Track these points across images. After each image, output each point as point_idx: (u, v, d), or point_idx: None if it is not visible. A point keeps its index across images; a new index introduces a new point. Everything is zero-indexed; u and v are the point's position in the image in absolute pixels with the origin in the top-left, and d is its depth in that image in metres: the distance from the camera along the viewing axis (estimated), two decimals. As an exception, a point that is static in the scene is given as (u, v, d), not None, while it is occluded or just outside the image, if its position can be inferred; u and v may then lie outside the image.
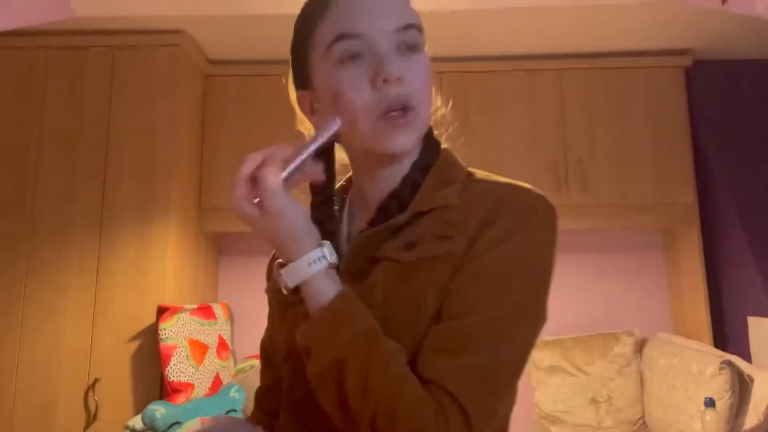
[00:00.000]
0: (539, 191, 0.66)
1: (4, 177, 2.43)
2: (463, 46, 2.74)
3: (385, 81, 0.62)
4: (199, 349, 2.30)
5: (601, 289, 2.92)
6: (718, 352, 2.24)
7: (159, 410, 1.98)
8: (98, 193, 2.41)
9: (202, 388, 2.24)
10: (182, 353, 2.22)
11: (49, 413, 2.26)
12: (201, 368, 2.27)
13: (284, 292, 0.62)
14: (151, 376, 2.28)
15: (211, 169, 2.75)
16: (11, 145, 2.45)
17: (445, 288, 0.61)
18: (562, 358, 2.56)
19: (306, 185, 0.73)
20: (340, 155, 0.75)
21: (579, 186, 2.69)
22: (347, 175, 0.79)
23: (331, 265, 0.62)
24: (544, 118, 2.76)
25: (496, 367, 0.58)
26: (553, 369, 2.55)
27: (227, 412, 2.16)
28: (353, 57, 0.63)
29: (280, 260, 0.63)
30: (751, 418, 1.91)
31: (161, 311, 2.27)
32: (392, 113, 0.63)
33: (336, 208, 0.75)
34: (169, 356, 2.20)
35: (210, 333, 2.39)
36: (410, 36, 0.65)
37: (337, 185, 0.79)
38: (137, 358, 2.29)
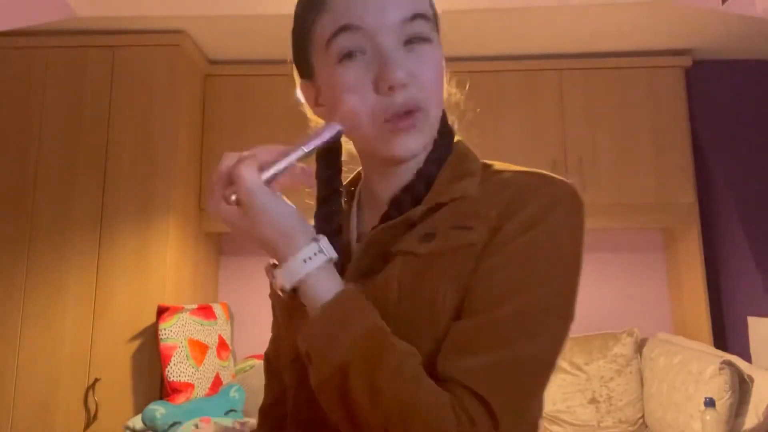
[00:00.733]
0: (565, 179, 0.62)
1: (4, 177, 2.43)
2: (463, 46, 2.74)
3: (390, 88, 0.58)
4: (199, 349, 2.30)
5: (601, 289, 2.92)
6: (718, 352, 2.24)
7: (159, 410, 1.98)
8: (98, 193, 2.41)
9: (202, 388, 2.24)
10: (182, 353, 2.22)
11: (49, 413, 2.26)
12: (201, 368, 2.27)
13: (281, 295, 0.57)
14: (151, 376, 2.28)
15: (211, 169, 2.75)
16: (11, 145, 2.45)
17: (465, 282, 0.56)
18: (561, 358, 2.55)
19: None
20: (348, 146, 0.71)
21: (579, 186, 2.66)
22: (357, 170, 0.74)
23: (330, 261, 0.57)
24: (544, 118, 2.76)
25: (525, 364, 0.53)
26: (553, 369, 2.55)
27: (227, 413, 2.16)
28: (354, 54, 0.59)
29: (273, 261, 0.58)
30: (751, 418, 1.91)
31: (161, 311, 2.27)
32: (398, 117, 0.59)
33: (344, 201, 0.70)
34: (169, 356, 2.20)
35: (210, 333, 2.39)
36: (418, 27, 0.60)
37: (347, 179, 0.75)
38: (137, 358, 2.29)
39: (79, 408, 2.26)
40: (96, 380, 2.27)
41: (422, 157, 0.66)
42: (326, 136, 0.58)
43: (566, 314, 0.57)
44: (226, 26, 2.53)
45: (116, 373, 2.28)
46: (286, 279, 0.56)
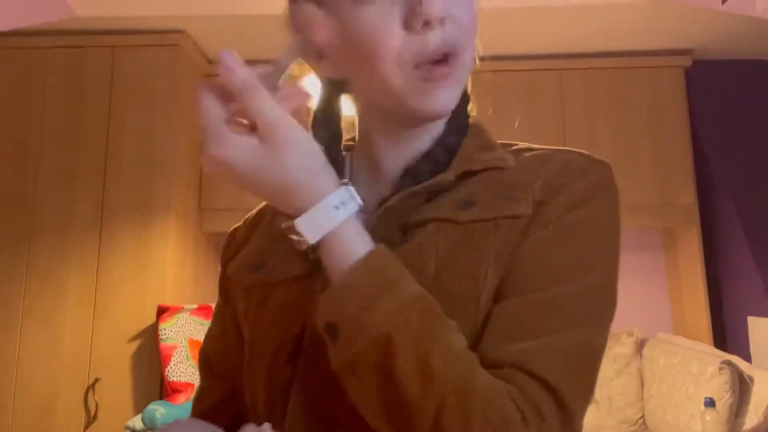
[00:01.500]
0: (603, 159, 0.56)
1: (4, 176, 2.43)
2: (463, 46, 2.74)
3: (425, 24, 0.48)
4: (199, 349, 2.29)
5: (601, 289, 2.92)
6: (718, 352, 2.24)
7: (159, 410, 1.98)
8: (98, 193, 2.41)
9: (202, 388, 2.24)
10: (182, 353, 2.22)
11: (49, 413, 2.26)
12: (201, 368, 2.26)
13: (302, 247, 0.46)
14: (151, 376, 2.28)
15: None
16: (11, 145, 2.45)
17: (508, 258, 0.49)
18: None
19: None
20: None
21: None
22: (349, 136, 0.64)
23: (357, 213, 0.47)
24: (544, 118, 2.76)
25: (591, 349, 0.47)
26: (553, 369, 2.55)
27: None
28: None
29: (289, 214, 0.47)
30: (751, 418, 1.91)
31: (161, 311, 2.27)
32: (433, 63, 0.49)
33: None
34: (169, 356, 2.19)
35: (210, 333, 2.39)
36: None
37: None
38: (137, 358, 2.29)
39: (79, 408, 2.26)
40: (96, 380, 2.27)
41: (439, 122, 0.57)
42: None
43: (615, 301, 0.50)
44: (226, 26, 2.53)
45: (116, 373, 2.28)
46: (312, 229, 0.44)
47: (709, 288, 2.62)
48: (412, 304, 0.44)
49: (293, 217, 0.45)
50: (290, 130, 0.44)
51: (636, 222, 2.70)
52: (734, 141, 2.78)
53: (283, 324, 0.54)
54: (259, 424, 0.48)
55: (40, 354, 2.30)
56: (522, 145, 0.61)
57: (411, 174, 0.55)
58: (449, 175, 0.53)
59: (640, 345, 2.57)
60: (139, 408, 2.20)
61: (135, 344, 2.30)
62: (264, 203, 0.66)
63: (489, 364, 0.44)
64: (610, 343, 2.30)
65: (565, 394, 0.43)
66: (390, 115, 0.54)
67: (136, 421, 2.02)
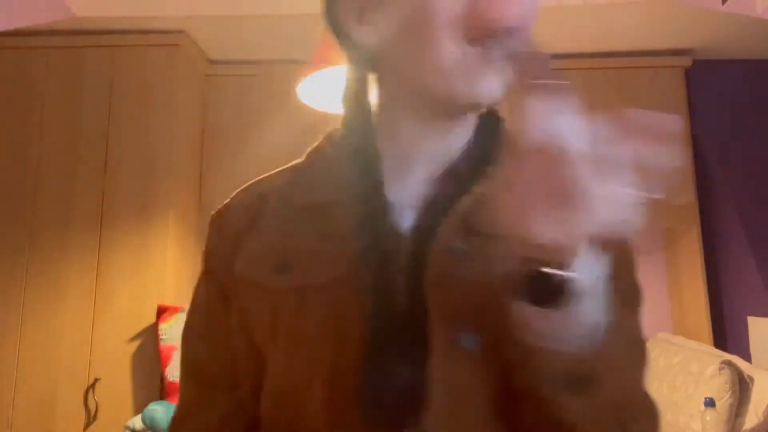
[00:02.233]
0: None
1: (4, 177, 2.43)
2: (463, 46, 2.74)
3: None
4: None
5: (601, 289, 2.92)
6: (718, 352, 2.24)
7: (159, 410, 1.98)
8: (98, 193, 2.41)
9: (202, 388, 2.24)
10: (182, 353, 2.22)
11: (49, 413, 2.26)
12: (201, 368, 2.27)
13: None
14: (151, 376, 2.28)
15: (211, 169, 2.75)
16: (11, 145, 2.45)
17: None
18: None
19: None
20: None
21: (579, 186, 2.68)
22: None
23: None
24: (544, 118, 2.75)
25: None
26: (553, 369, 2.55)
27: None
28: None
29: None
30: (751, 418, 1.91)
31: (161, 311, 2.27)
32: (493, 38, 0.44)
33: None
34: (169, 356, 2.20)
35: (210, 333, 2.39)
36: None
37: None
38: (137, 358, 2.29)
39: (79, 408, 2.26)
40: (96, 380, 2.27)
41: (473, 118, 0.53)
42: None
43: None
44: (226, 26, 2.53)
45: (116, 373, 2.28)
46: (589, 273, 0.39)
47: (709, 288, 2.62)
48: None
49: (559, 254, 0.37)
50: None
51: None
52: (734, 141, 2.78)
53: (338, 332, 0.48)
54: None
55: (40, 354, 2.30)
56: None
57: (454, 176, 0.51)
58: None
59: (640, 345, 2.56)
60: (139, 408, 2.21)
61: (135, 344, 2.30)
62: (258, 180, 0.59)
63: None
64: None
65: None
66: (428, 102, 0.49)
67: (136, 421, 2.02)
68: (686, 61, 2.77)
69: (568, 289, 0.37)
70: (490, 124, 0.54)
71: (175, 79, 2.50)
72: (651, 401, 0.46)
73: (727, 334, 2.67)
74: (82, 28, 2.51)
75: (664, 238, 2.96)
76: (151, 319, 2.29)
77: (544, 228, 0.35)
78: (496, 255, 0.40)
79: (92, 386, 2.27)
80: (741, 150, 2.77)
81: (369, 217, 0.49)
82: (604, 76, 2.78)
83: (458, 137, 0.52)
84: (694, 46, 2.74)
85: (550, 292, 0.37)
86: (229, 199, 0.60)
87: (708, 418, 1.84)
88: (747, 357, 2.42)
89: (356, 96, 0.55)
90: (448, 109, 0.50)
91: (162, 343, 2.21)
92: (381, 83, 0.53)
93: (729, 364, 1.97)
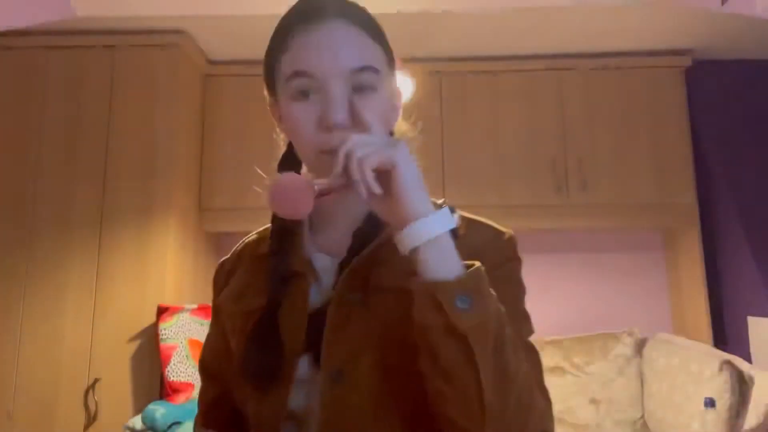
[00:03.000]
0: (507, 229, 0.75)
1: (4, 177, 2.43)
2: (463, 46, 2.74)
3: (328, 128, 0.64)
4: (199, 349, 2.29)
5: (601, 289, 2.92)
6: (718, 352, 2.24)
7: (159, 410, 1.98)
8: (98, 193, 2.41)
9: (202, 388, 2.24)
10: (182, 353, 2.22)
11: (49, 413, 2.26)
12: (201, 368, 2.27)
13: (408, 248, 0.59)
14: (151, 376, 2.28)
15: (211, 169, 2.75)
16: (11, 145, 2.45)
17: None
18: (562, 358, 2.56)
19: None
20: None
21: (579, 186, 2.69)
22: None
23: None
24: (544, 118, 2.76)
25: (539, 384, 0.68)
26: (553, 369, 2.55)
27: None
28: (305, 94, 0.65)
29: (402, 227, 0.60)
30: (751, 418, 1.91)
31: (161, 311, 2.27)
32: (333, 153, 0.63)
33: None
34: (169, 356, 2.20)
35: (210, 333, 2.39)
36: (366, 78, 0.66)
37: None
38: (137, 358, 2.29)
39: (79, 408, 2.26)
40: (96, 380, 2.27)
41: None
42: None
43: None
44: (226, 26, 2.53)
45: (116, 373, 2.28)
46: (429, 230, 0.57)
47: (709, 288, 2.62)
48: (501, 312, 0.60)
49: (419, 214, 0.58)
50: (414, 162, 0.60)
51: (636, 222, 2.70)
52: (734, 141, 2.78)
53: (254, 332, 0.71)
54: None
55: (40, 354, 2.30)
56: (439, 202, 0.74)
57: (359, 236, 0.70)
58: (383, 240, 0.68)
59: (640, 345, 2.57)
60: (139, 408, 2.21)
61: (135, 344, 2.31)
62: (241, 244, 0.85)
63: None
64: (610, 343, 2.31)
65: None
66: None
67: (136, 421, 2.02)
68: (686, 61, 2.77)
69: None
70: None
71: (175, 79, 2.50)
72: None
73: (727, 334, 2.67)
74: (82, 28, 2.52)
75: (664, 238, 2.97)
76: (151, 319, 2.29)
77: None
78: (388, 305, 0.65)
79: (92, 386, 2.27)
80: (741, 150, 2.78)
81: (284, 262, 0.72)
82: (604, 76, 2.78)
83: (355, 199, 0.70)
84: (694, 46, 2.75)
85: None
86: (229, 254, 0.86)
87: (708, 418, 1.84)
88: (747, 357, 2.42)
89: (289, 163, 0.76)
90: None
91: (162, 343, 2.21)
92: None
93: (729, 364, 1.97)
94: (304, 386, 0.67)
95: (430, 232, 0.57)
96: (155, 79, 2.50)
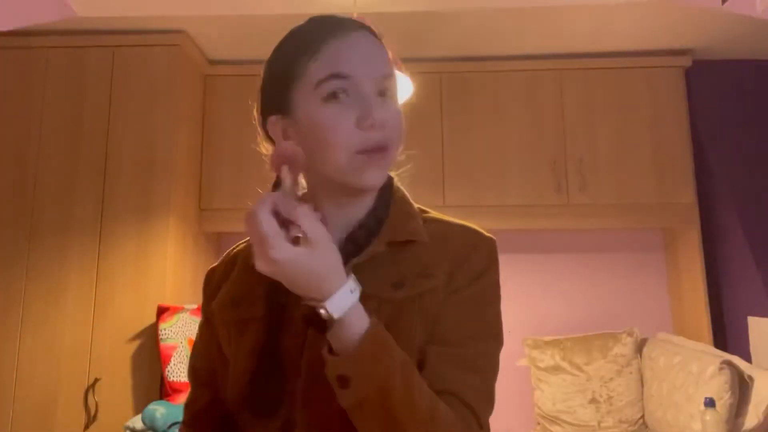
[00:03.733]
0: (487, 233, 0.78)
1: (4, 177, 2.43)
2: (463, 46, 2.74)
3: (371, 126, 0.67)
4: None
5: (601, 289, 2.92)
6: (718, 352, 2.24)
7: (159, 410, 1.98)
8: (98, 193, 2.41)
9: (202, 388, 2.24)
10: (182, 353, 2.22)
11: (49, 413, 2.26)
12: (201, 368, 2.27)
13: (323, 319, 0.62)
14: (151, 376, 2.28)
15: (211, 169, 2.75)
16: (11, 145, 2.46)
17: (431, 318, 0.69)
18: (562, 358, 2.56)
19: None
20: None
21: (579, 186, 2.69)
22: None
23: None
24: (544, 118, 2.76)
25: (492, 388, 0.70)
26: (553, 369, 2.55)
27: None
28: (340, 95, 0.68)
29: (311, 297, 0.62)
30: (751, 418, 1.91)
31: (161, 311, 2.27)
32: (373, 151, 0.68)
33: None
34: (169, 356, 2.20)
35: (210, 333, 2.39)
36: (390, 84, 0.72)
37: None
38: (137, 358, 2.29)
39: (79, 408, 2.26)
40: (96, 380, 2.27)
41: (370, 196, 0.76)
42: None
43: (502, 343, 0.74)
44: (226, 26, 2.53)
45: (116, 373, 2.28)
46: (337, 309, 0.60)
47: (709, 288, 2.62)
48: (405, 362, 0.62)
49: (318, 299, 0.60)
50: (328, 240, 0.60)
51: (636, 222, 2.70)
52: (734, 141, 2.78)
53: (256, 353, 0.72)
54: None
55: (40, 354, 2.30)
56: (432, 214, 0.79)
57: (351, 240, 0.73)
58: (380, 247, 0.72)
59: (640, 345, 2.57)
60: (139, 408, 2.21)
61: (135, 344, 2.31)
62: (232, 250, 0.86)
63: (439, 388, 0.65)
64: (610, 343, 2.30)
65: (482, 419, 0.67)
66: (335, 185, 0.72)
67: (136, 421, 2.02)
68: (686, 61, 2.77)
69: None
70: (385, 198, 0.77)
71: (175, 79, 2.50)
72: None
73: (727, 334, 2.67)
74: (83, 28, 2.52)
75: (664, 238, 2.96)
76: (151, 319, 2.29)
77: None
78: (370, 312, 0.64)
79: (92, 386, 2.27)
80: (741, 150, 2.78)
81: None
82: (604, 76, 2.78)
83: (363, 204, 0.76)
84: (694, 46, 2.75)
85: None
86: (218, 261, 0.86)
87: (708, 418, 1.84)
88: (747, 357, 2.42)
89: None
90: (348, 191, 0.73)
91: (162, 343, 2.21)
92: (304, 173, 0.76)
93: (729, 364, 1.97)
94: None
95: (335, 311, 0.60)
96: (155, 79, 2.50)
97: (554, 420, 2.48)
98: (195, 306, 2.41)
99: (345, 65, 0.68)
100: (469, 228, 0.77)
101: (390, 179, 0.79)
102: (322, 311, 0.60)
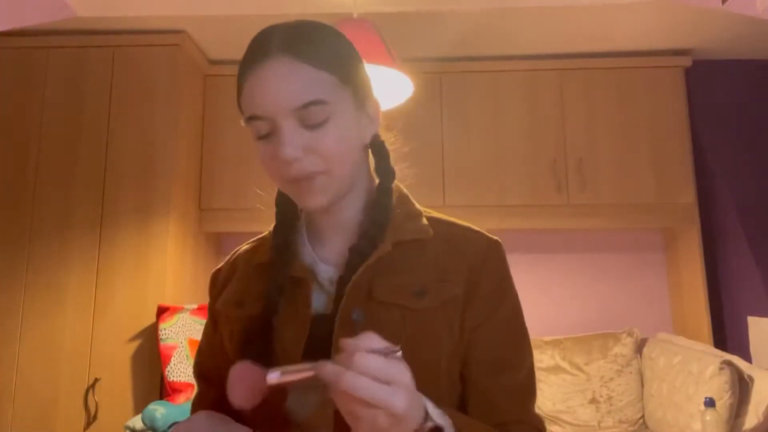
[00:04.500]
0: (493, 236, 0.78)
1: (4, 177, 2.43)
2: (464, 46, 2.74)
3: (282, 163, 0.68)
4: (199, 349, 2.30)
5: (601, 289, 2.92)
6: (718, 352, 2.24)
7: (159, 410, 1.98)
8: (98, 193, 2.41)
9: (202, 388, 2.24)
10: (182, 353, 2.22)
11: (49, 413, 2.26)
12: (201, 368, 2.27)
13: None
14: (151, 376, 2.28)
15: (211, 169, 2.75)
16: (11, 145, 2.46)
17: (456, 326, 0.71)
18: (562, 358, 2.56)
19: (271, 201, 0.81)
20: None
21: (579, 186, 2.69)
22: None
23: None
24: (544, 118, 2.76)
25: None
26: (553, 369, 2.55)
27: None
28: (265, 135, 0.69)
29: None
30: (751, 418, 1.91)
31: (161, 311, 2.27)
32: (295, 181, 0.69)
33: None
34: (169, 356, 2.20)
35: (210, 333, 2.39)
36: (312, 113, 0.67)
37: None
38: (137, 358, 2.29)
39: (79, 408, 2.26)
40: (96, 380, 2.27)
41: (360, 197, 0.76)
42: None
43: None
44: (226, 26, 2.53)
45: (116, 373, 2.28)
46: (436, 415, 0.59)
47: (709, 288, 2.62)
48: None
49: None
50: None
51: (636, 222, 2.70)
52: (734, 141, 2.78)
53: (258, 351, 0.71)
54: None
55: (40, 354, 2.30)
56: (434, 213, 0.79)
57: (356, 252, 0.72)
58: (387, 246, 0.72)
59: (640, 345, 2.57)
60: (139, 408, 2.21)
61: (135, 344, 2.31)
62: (235, 252, 0.87)
63: (516, 419, 0.71)
64: (610, 343, 2.30)
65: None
66: None
67: (136, 421, 2.02)
68: (686, 61, 2.77)
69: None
70: (383, 200, 0.76)
71: (175, 79, 2.50)
72: None
73: (727, 334, 2.67)
74: (83, 28, 2.52)
75: (664, 238, 2.96)
76: (151, 319, 2.29)
77: None
78: (392, 319, 0.68)
79: (92, 386, 2.27)
80: (741, 150, 2.78)
81: (284, 271, 0.74)
82: (604, 76, 2.78)
83: (346, 203, 0.75)
84: (694, 46, 2.75)
85: None
86: (223, 263, 0.88)
87: (708, 418, 1.84)
88: (747, 357, 2.42)
89: (283, 195, 0.80)
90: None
91: (162, 343, 2.21)
92: None
93: (729, 364, 1.97)
94: (305, 392, 0.67)
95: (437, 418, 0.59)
96: (155, 79, 2.50)
97: (554, 420, 2.48)
98: (195, 306, 2.41)
99: (259, 106, 0.68)
100: (476, 231, 0.78)
101: (386, 180, 0.78)
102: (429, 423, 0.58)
